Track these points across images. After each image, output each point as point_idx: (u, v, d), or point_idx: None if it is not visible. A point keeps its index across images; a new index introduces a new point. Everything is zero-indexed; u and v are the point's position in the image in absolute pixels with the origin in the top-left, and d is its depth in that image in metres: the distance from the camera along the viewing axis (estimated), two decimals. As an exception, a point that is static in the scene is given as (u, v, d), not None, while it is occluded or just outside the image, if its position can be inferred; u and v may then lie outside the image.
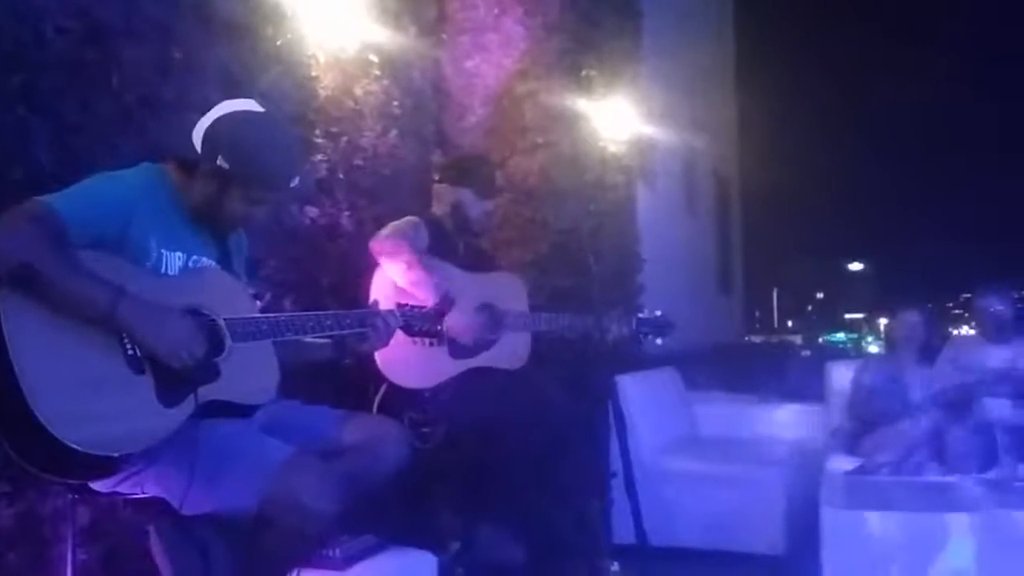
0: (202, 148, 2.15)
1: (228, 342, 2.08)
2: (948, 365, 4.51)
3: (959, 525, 3.22)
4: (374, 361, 3.08)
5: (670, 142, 9.34)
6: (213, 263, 2.25)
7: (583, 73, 5.68)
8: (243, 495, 1.98)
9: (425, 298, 3.09)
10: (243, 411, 2.17)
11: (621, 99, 6.10)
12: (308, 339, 2.35)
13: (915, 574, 3.20)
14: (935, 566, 3.19)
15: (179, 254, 2.16)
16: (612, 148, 6.15)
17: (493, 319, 3.38)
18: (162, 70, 2.65)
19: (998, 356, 4.48)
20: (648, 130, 7.25)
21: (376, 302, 2.59)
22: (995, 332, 4.57)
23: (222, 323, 2.09)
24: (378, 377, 3.15)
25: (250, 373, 2.16)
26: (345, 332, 2.39)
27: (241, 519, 2.02)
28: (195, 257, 2.20)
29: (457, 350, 3.30)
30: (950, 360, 4.54)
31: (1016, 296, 4.86)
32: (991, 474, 3.65)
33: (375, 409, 3.14)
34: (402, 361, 3.12)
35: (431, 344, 3.19)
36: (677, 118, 9.42)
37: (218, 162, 2.12)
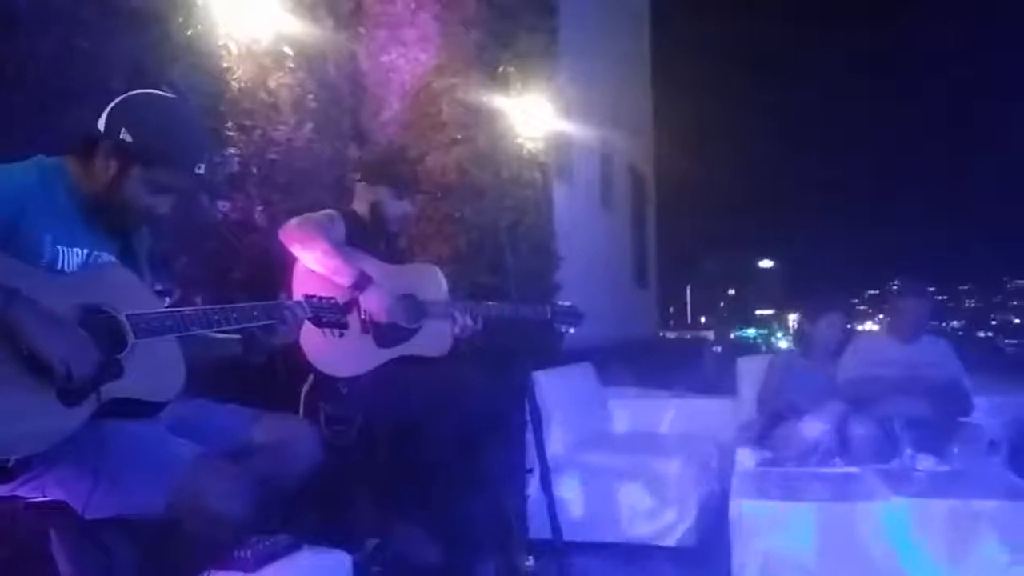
0: (106, 125, 2.09)
1: (130, 339, 2.02)
2: (854, 361, 4.63)
3: (863, 513, 3.33)
4: (302, 352, 3.06)
5: (586, 138, 9.46)
6: (114, 259, 2.18)
7: (500, 69, 5.70)
8: (149, 497, 1.93)
9: (344, 282, 3.09)
10: (148, 409, 2.11)
11: (537, 95, 6.14)
12: (217, 334, 2.30)
13: (822, 562, 3.30)
14: (841, 554, 3.30)
15: (78, 250, 2.08)
16: (529, 144, 6.19)
17: (414, 308, 3.38)
18: (66, 61, 2.56)
19: (902, 352, 4.61)
20: (564, 126, 7.31)
21: (287, 295, 2.55)
22: (904, 329, 4.67)
23: (123, 319, 2.02)
24: (305, 368, 3.13)
25: (155, 369, 2.10)
26: (252, 325, 2.33)
27: (148, 522, 1.97)
28: (96, 253, 2.13)
29: (382, 338, 3.29)
30: (856, 356, 4.65)
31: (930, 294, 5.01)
32: (892, 465, 3.78)
33: (302, 401, 3.11)
34: (330, 351, 3.10)
35: (362, 333, 3.19)
36: (593, 115, 9.52)
37: (121, 136, 2.06)
